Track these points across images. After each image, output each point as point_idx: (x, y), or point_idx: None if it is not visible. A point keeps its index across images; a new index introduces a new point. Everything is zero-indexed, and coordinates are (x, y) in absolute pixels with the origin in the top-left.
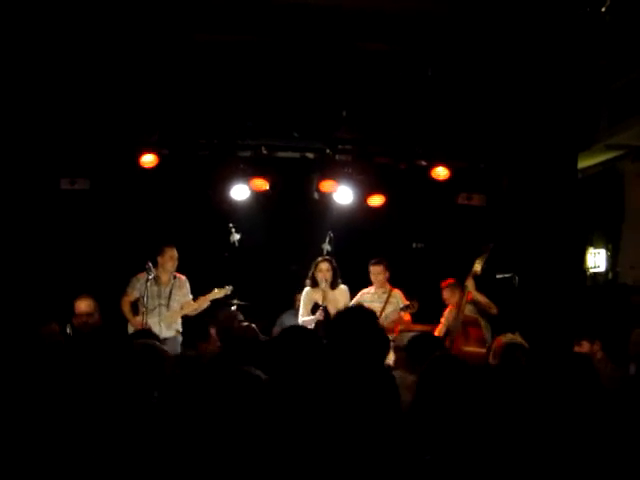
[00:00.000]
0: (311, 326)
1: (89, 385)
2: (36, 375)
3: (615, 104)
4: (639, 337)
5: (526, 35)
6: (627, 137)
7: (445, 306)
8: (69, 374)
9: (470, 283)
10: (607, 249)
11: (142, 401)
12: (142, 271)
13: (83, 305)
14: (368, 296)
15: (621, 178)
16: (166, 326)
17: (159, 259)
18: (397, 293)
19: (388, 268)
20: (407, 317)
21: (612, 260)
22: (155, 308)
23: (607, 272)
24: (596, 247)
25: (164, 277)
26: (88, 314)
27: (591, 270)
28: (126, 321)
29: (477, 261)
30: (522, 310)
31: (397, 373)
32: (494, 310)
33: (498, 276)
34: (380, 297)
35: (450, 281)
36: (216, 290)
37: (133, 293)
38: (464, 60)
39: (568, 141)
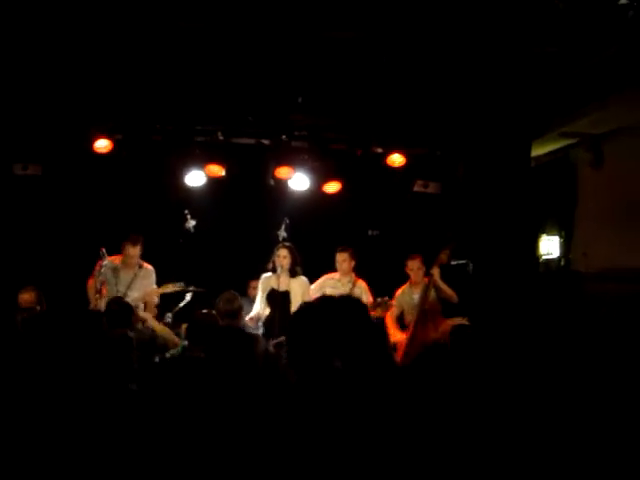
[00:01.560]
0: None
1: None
2: None
3: (569, 91)
4: None
5: (480, 21)
6: (580, 125)
7: (394, 290)
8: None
9: (436, 271)
10: (560, 236)
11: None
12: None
13: (26, 298)
14: (331, 282)
15: (574, 166)
16: None
17: (122, 252)
18: (362, 284)
19: (354, 257)
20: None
21: (565, 247)
22: (111, 294)
23: (560, 259)
24: (549, 234)
25: (125, 265)
26: (31, 307)
27: (544, 257)
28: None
29: (443, 250)
30: (476, 297)
31: None
32: (455, 299)
33: (452, 263)
34: (344, 285)
35: (419, 255)
36: (169, 285)
37: (99, 277)
38: (419, 47)
39: (522, 129)
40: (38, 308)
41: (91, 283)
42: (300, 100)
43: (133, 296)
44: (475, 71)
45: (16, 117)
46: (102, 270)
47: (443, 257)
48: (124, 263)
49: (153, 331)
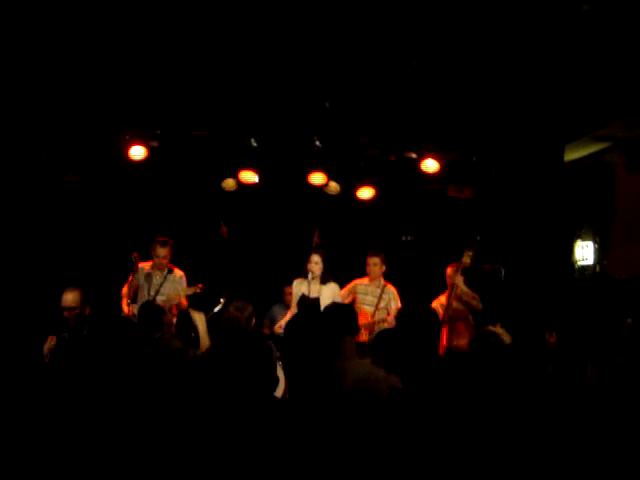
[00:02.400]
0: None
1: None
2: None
3: (603, 95)
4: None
5: (514, 26)
6: (615, 129)
7: (433, 298)
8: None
9: (459, 278)
10: (595, 241)
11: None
12: (143, 261)
13: (69, 298)
14: (362, 288)
15: (610, 170)
16: None
17: (151, 254)
18: (391, 289)
19: (385, 262)
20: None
21: (600, 253)
22: (142, 300)
23: (595, 265)
24: (584, 239)
25: (155, 271)
26: (74, 307)
27: (579, 263)
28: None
29: (466, 254)
30: (508, 303)
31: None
32: (479, 304)
33: (484, 268)
34: (374, 291)
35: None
36: (191, 288)
37: (132, 283)
38: (452, 51)
39: (555, 132)
40: (81, 309)
41: (125, 290)
42: (327, 105)
43: (160, 300)
44: (509, 75)
45: (53, 124)
46: (135, 276)
47: (466, 260)
48: (154, 266)
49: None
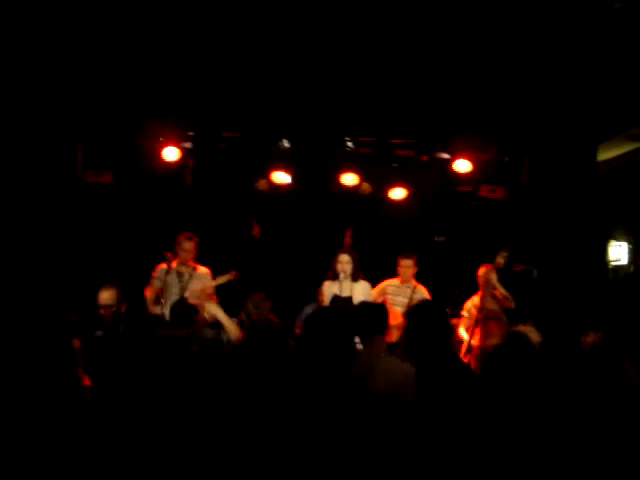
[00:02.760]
0: None
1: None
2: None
3: (637, 93)
4: None
5: (548, 24)
6: None
7: (466, 300)
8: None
9: (493, 277)
10: (629, 242)
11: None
12: (162, 262)
13: (105, 295)
14: (393, 289)
15: None
16: None
17: (176, 250)
18: (422, 289)
19: (417, 263)
20: None
21: (634, 253)
22: (170, 299)
23: (629, 265)
24: (618, 240)
25: (181, 268)
26: (110, 305)
27: (612, 263)
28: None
29: (500, 254)
30: (541, 303)
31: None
32: (511, 304)
33: (517, 269)
34: (404, 292)
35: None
36: (221, 277)
37: (155, 283)
38: (482, 50)
39: (588, 132)
40: (119, 306)
41: (148, 291)
42: (358, 105)
43: (188, 297)
44: (542, 75)
45: (88, 125)
46: (158, 276)
47: (500, 260)
48: (180, 261)
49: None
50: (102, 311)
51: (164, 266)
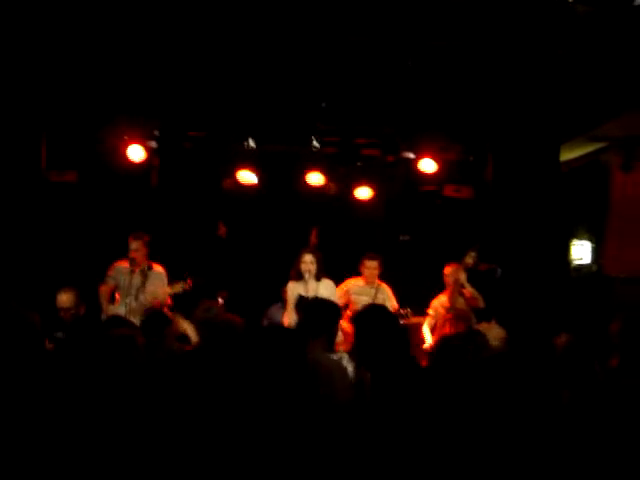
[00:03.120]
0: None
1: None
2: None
3: (598, 95)
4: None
5: (510, 27)
6: (610, 129)
7: (431, 298)
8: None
9: (462, 276)
10: (591, 241)
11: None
12: (120, 259)
13: (64, 298)
14: (356, 288)
15: (605, 170)
16: (134, 319)
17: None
18: (386, 289)
19: (382, 264)
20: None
21: (596, 252)
22: (124, 299)
23: (591, 264)
24: (580, 239)
25: (136, 267)
26: (69, 307)
27: (575, 262)
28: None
29: (469, 254)
30: (504, 302)
31: None
32: (481, 304)
33: (481, 268)
34: (368, 291)
35: (457, 265)
36: (177, 285)
37: (109, 281)
38: (448, 52)
39: (551, 132)
40: (78, 309)
41: (103, 289)
42: (324, 105)
43: (142, 300)
44: (505, 76)
45: (53, 123)
46: (112, 275)
47: (468, 260)
48: (130, 261)
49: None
50: (62, 313)
51: (119, 264)
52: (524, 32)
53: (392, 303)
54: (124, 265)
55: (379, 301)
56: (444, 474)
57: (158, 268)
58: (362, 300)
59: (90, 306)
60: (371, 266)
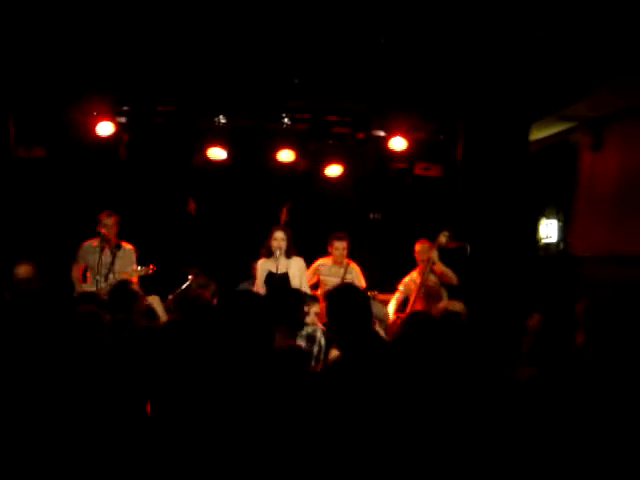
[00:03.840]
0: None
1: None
2: None
3: (567, 74)
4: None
5: (479, 6)
6: (579, 108)
7: (401, 276)
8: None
9: (434, 254)
10: (559, 219)
11: (82, 365)
12: (90, 238)
13: (22, 270)
14: (325, 269)
15: (574, 149)
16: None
17: (98, 227)
18: (354, 268)
19: (350, 244)
20: None
21: (564, 230)
22: (94, 277)
23: (559, 242)
24: (548, 217)
25: (105, 245)
26: (27, 280)
27: (543, 240)
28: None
29: (442, 233)
30: (473, 280)
31: None
32: (455, 281)
33: (451, 246)
34: (337, 271)
35: (428, 242)
36: (141, 269)
37: (80, 260)
38: (419, 29)
39: (521, 111)
40: (36, 282)
41: (74, 268)
42: (296, 82)
43: (112, 277)
44: (475, 54)
45: (20, 99)
46: (81, 254)
47: (442, 239)
48: (101, 239)
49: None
50: (19, 285)
51: (87, 243)
52: (496, 11)
53: (360, 283)
54: (93, 244)
55: (347, 280)
56: (409, 450)
57: (127, 246)
58: (331, 280)
59: (60, 284)
60: (339, 246)
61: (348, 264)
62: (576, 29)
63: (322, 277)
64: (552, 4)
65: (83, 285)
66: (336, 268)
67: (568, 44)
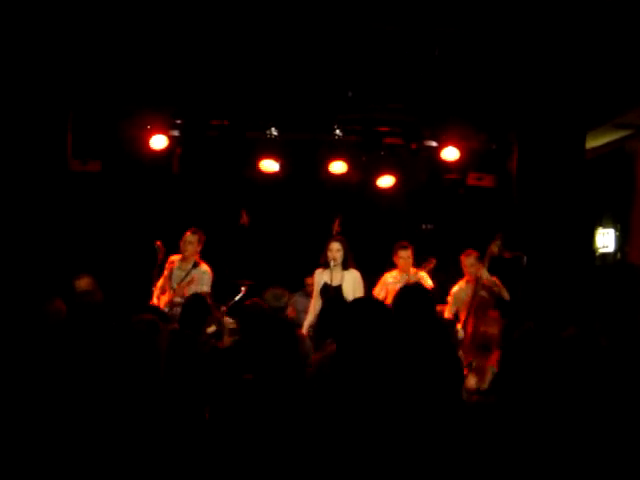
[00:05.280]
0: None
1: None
2: (38, 351)
3: (624, 82)
4: None
5: (537, 13)
6: (636, 116)
7: (450, 286)
8: (70, 351)
9: (484, 271)
10: (616, 229)
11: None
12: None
13: (83, 283)
14: (393, 279)
15: (631, 157)
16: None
17: (180, 244)
18: (421, 274)
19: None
20: None
21: (621, 240)
22: (167, 292)
23: (616, 252)
24: (605, 227)
25: (183, 262)
26: (88, 292)
27: (600, 250)
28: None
29: (494, 242)
30: (530, 290)
31: None
32: (506, 296)
33: (506, 256)
34: (405, 279)
35: (475, 252)
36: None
37: (164, 274)
38: (473, 39)
39: (576, 120)
40: (97, 295)
41: (159, 283)
42: (350, 94)
43: (182, 294)
44: (528, 62)
45: (77, 113)
46: (167, 267)
47: (493, 249)
48: (183, 255)
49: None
50: (79, 299)
51: (172, 257)
52: (551, 20)
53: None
54: (176, 259)
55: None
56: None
57: (203, 266)
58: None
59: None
60: (404, 255)
61: (416, 272)
62: (630, 37)
63: (390, 287)
64: (606, 11)
65: (160, 298)
66: (403, 276)
67: (623, 51)
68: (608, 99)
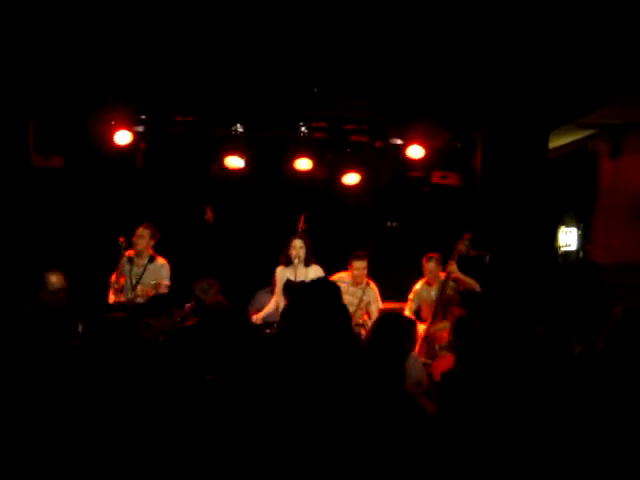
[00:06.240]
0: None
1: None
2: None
3: (586, 83)
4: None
5: (500, 13)
6: (598, 116)
7: (411, 284)
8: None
9: (454, 266)
10: (578, 228)
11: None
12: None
13: (54, 279)
14: (343, 287)
15: (593, 157)
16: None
17: (133, 239)
18: (372, 290)
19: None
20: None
21: (583, 239)
22: (123, 288)
23: (578, 251)
24: (568, 226)
25: (137, 257)
26: (59, 288)
27: (562, 248)
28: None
29: (461, 241)
30: (493, 288)
31: None
32: (477, 288)
33: (471, 254)
34: (355, 292)
35: (436, 255)
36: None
37: (120, 270)
38: (437, 38)
39: (539, 119)
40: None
41: (113, 279)
42: (316, 90)
43: (140, 289)
44: (492, 62)
45: (39, 108)
46: (122, 262)
47: (461, 248)
48: (135, 250)
49: None
50: (47, 295)
51: (126, 253)
52: (515, 20)
53: (377, 305)
54: (129, 254)
55: (364, 303)
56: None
57: (160, 260)
58: (348, 300)
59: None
60: (359, 266)
61: (367, 284)
62: (594, 38)
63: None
64: (570, 13)
65: (118, 295)
66: (354, 288)
67: (587, 52)
68: (572, 99)
